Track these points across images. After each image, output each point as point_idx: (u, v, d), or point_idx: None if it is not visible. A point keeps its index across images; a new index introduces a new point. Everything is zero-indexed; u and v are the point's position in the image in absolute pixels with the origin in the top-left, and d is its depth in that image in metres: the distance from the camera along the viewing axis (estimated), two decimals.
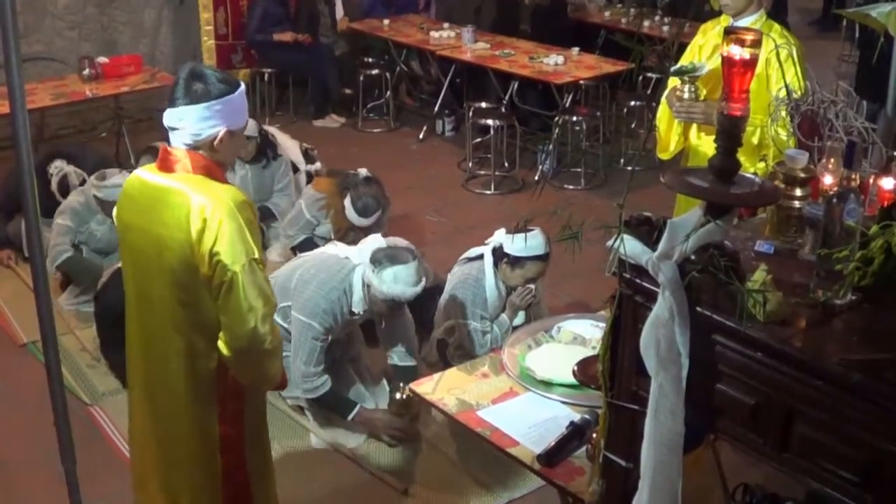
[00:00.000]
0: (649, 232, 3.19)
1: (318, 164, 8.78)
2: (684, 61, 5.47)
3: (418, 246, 6.33)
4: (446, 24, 11.87)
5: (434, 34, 11.49)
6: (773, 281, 2.97)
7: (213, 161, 3.76)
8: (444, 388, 4.57)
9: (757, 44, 3.06)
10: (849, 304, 2.98)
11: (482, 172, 10.22)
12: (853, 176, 3.40)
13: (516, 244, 5.87)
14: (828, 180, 3.47)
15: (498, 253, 6.03)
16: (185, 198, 3.63)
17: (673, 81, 5.29)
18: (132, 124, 10.65)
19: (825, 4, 16.21)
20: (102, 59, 10.29)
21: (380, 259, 5.40)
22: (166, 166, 3.75)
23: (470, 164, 10.38)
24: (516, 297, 6.05)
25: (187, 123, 3.67)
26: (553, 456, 4.00)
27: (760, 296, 2.88)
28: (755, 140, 4.91)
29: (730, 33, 3.09)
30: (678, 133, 5.48)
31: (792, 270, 3.23)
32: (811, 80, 3.98)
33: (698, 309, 3.01)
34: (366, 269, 5.43)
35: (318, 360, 5.46)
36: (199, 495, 4.06)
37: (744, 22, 5.17)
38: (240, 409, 3.97)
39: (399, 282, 5.38)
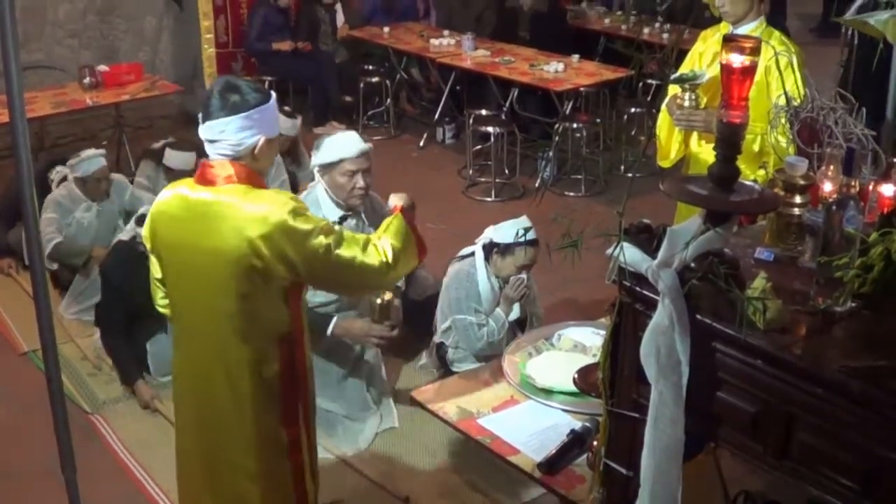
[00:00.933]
0: (649, 240, 3.20)
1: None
2: (684, 69, 5.48)
3: None
4: (446, 32, 11.87)
5: (434, 41, 11.49)
6: (772, 288, 2.97)
7: (254, 170, 3.81)
8: (444, 396, 4.57)
9: (756, 51, 3.06)
10: (849, 312, 2.98)
11: (483, 179, 10.22)
12: (853, 183, 3.40)
13: (505, 232, 5.93)
14: (827, 187, 3.47)
15: (488, 247, 6.05)
16: (238, 209, 3.68)
17: (673, 89, 5.29)
18: (133, 132, 10.66)
19: (824, 10, 16.21)
20: (103, 68, 10.30)
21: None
22: (207, 180, 3.77)
23: (470, 172, 10.38)
24: (510, 288, 6.04)
25: (228, 135, 3.71)
26: (554, 464, 4.00)
27: (760, 303, 2.88)
28: (756, 147, 4.91)
29: (729, 41, 3.09)
30: (679, 141, 5.48)
31: (792, 278, 3.23)
32: (810, 87, 3.98)
33: (698, 317, 3.01)
34: (316, 176, 5.53)
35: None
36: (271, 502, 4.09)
37: (743, 29, 5.17)
38: (297, 410, 4.01)
39: (338, 143, 5.43)
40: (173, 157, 7.88)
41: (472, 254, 6.14)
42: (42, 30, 11.15)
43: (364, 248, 3.88)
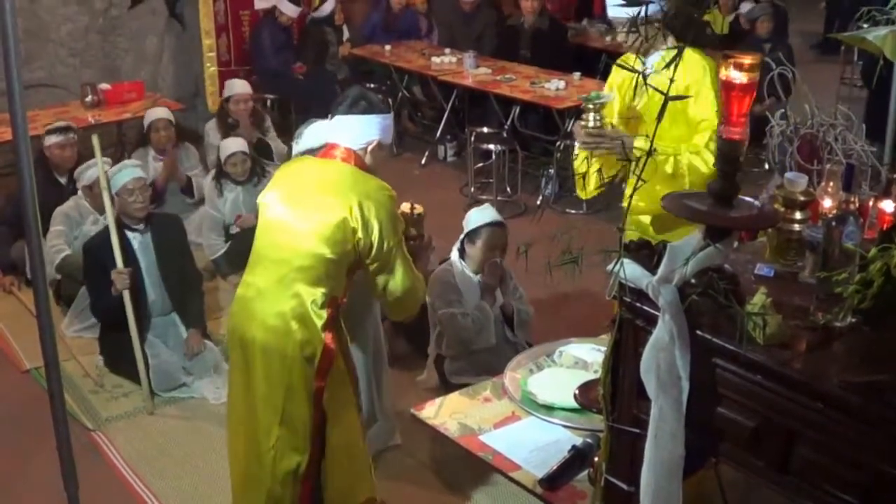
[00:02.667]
0: (649, 256, 3.21)
1: None
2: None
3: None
4: (448, 50, 11.88)
5: (435, 60, 11.50)
6: (772, 304, 2.98)
7: (366, 164, 4.48)
8: (446, 413, 4.58)
9: (755, 68, 3.07)
10: (849, 327, 2.99)
11: (484, 197, 10.21)
12: (852, 199, 3.42)
13: (470, 219, 6.28)
14: (827, 203, 3.49)
15: (461, 244, 6.32)
16: (350, 176, 4.36)
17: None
18: (134, 150, 10.66)
19: (826, 27, 16.24)
20: (104, 86, 10.31)
21: None
22: (329, 156, 4.47)
23: (472, 189, 10.38)
24: (487, 276, 6.22)
25: (351, 128, 4.43)
26: (555, 480, 4.00)
27: (760, 319, 2.89)
28: (668, 169, 4.88)
29: (728, 58, 3.10)
30: (595, 168, 5.43)
31: (792, 293, 3.24)
32: (810, 104, 3.99)
33: (698, 332, 3.02)
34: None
35: None
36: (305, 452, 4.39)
37: (655, 56, 5.16)
38: (330, 368, 4.33)
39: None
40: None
41: (448, 259, 6.35)
42: (44, 48, 11.16)
43: (407, 262, 4.43)
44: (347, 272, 4.39)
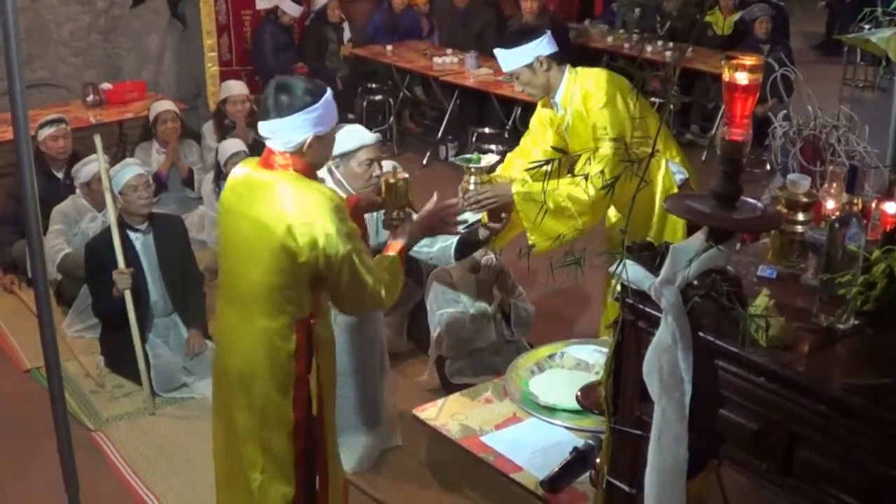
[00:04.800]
0: (652, 257, 3.20)
1: None
2: (530, 135, 5.82)
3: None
4: (449, 50, 11.88)
5: (437, 60, 11.51)
6: (775, 306, 2.98)
7: (307, 162, 4.11)
8: (447, 414, 4.57)
9: (757, 69, 3.06)
10: (851, 329, 2.98)
11: None
12: (855, 200, 3.41)
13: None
14: (830, 205, 3.48)
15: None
16: (286, 192, 3.99)
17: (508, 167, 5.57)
18: (139, 144, 10.65)
19: (828, 29, 16.24)
20: (106, 86, 10.33)
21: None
22: (268, 164, 4.11)
23: None
24: (482, 273, 6.24)
25: (279, 134, 4.03)
26: (557, 482, 3.99)
27: (763, 321, 2.89)
28: (550, 204, 5.06)
29: (730, 59, 3.09)
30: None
31: (794, 295, 3.23)
32: (813, 105, 3.99)
33: (701, 334, 3.01)
34: (327, 168, 5.35)
35: None
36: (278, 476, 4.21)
37: (559, 96, 5.44)
38: (307, 396, 4.17)
39: (354, 133, 5.37)
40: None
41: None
42: (46, 48, 11.16)
43: (371, 272, 4.09)
44: (310, 290, 4.11)
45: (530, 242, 5.24)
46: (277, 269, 4.01)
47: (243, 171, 4.22)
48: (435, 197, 4.71)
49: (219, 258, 4.40)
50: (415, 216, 4.67)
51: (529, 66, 5.39)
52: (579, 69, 5.42)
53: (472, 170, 5.04)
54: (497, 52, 5.54)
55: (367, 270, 4.07)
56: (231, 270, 4.23)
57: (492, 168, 5.12)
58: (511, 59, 5.43)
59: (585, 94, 5.25)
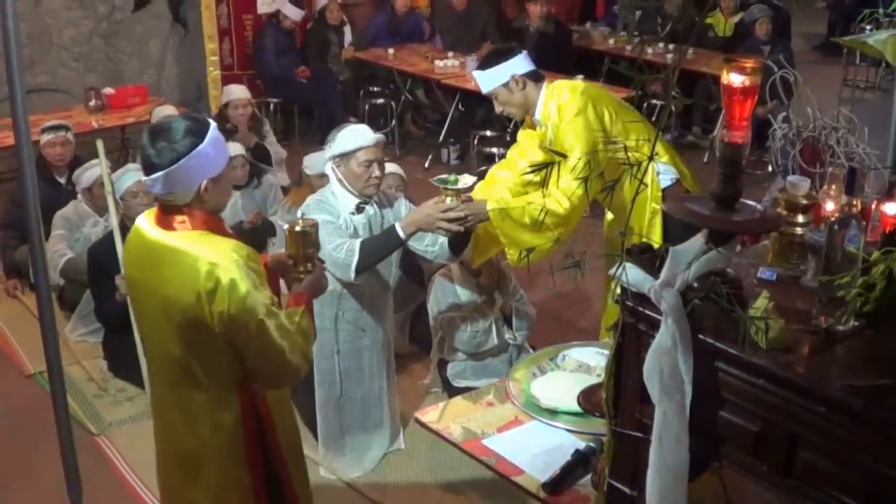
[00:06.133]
0: (651, 260, 3.20)
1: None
2: (515, 148, 5.84)
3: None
4: (451, 53, 11.90)
5: (439, 63, 11.52)
6: (775, 308, 2.98)
7: (207, 211, 3.66)
8: (449, 417, 4.57)
9: (756, 71, 3.07)
10: (851, 331, 2.98)
11: None
12: (854, 202, 3.41)
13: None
14: (829, 207, 3.48)
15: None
16: (190, 258, 3.53)
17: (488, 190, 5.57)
18: (137, 154, 10.68)
19: (829, 29, 16.25)
20: (108, 90, 10.35)
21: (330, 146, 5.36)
22: (166, 223, 3.64)
23: None
24: (483, 276, 6.21)
25: (166, 187, 3.56)
26: (558, 484, 3.99)
27: (763, 323, 2.89)
28: (526, 219, 5.14)
29: (730, 61, 3.10)
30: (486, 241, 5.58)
31: (794, 297, 3.24)
32: (812, 107, 3.99)
33: (701, 336, 3.02)
34: (329, 168, 5.38)
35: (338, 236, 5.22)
36: None
37: (538, 113, 5.49)
38: (263, 455, 3.86)
39: (353, 133, 5.32)
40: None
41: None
42: (47, 53, 11.19)
43: (285, 335, 3.62)
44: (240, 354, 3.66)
45: (508, 257, 5.31)
46: (195, 342, 3.61)
47: (140, 231, 3.71)
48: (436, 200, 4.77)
49: (138, 331, 3.95)
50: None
51: (506, 85, 5.48)
52: (556, 83, 5.49)
53: (449, 191, 5.03)
54: (475, 73, 5.70)
55: (282, 335, 3.60)
56: (150, 345, 3.87)
57: (468, 190, 5.10)
58: (487, 79, 5.56)
59: (559, 106, 5.31)
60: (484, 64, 5.61)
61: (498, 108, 5.62)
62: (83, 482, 4.18)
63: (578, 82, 5.52)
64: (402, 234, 5.11)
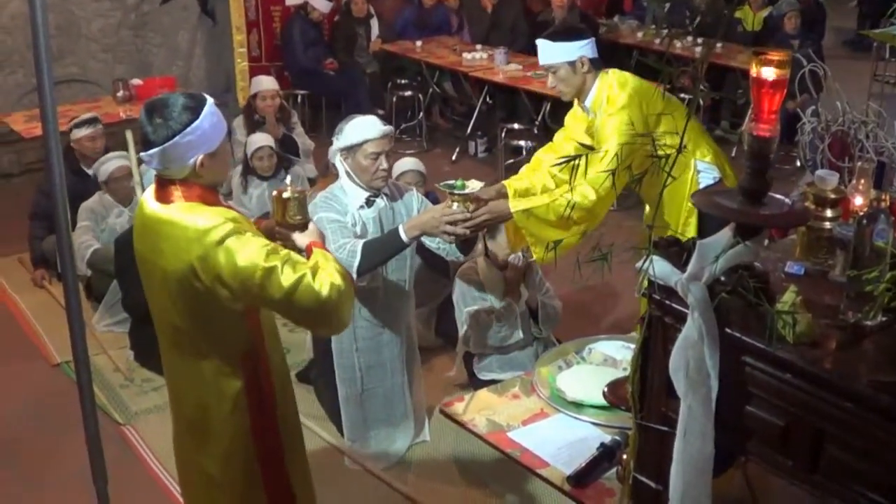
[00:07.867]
0: (678, 253, 3.19)
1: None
2: (563, 132, 5.81)
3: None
4: (479, 46, 11.91)
5: (466, 56, 11.51)
6: (802, 302, 2.97)
7: (203, 185, 3.71)
8: (474, 409, 4.57)
9: (785, 64, 3.05)
10: (879, 326, 2.97)
11: None
12: (883, 196, 3.39)
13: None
14: (858, 201, 3.46)
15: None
16: (179, 229, 3.59)
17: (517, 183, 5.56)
18: None
19: (859, 24, 16.17)
20: (136, 82, 10.38)
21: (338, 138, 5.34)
22: (163, 196, 3.70)
23: None
24: (509, 270, 6.22)
25: (161, 163, 3.63)
26: (583, 477, 3.99)
27: (790, 317, 2.87)
28: (552, 216, 5.07)
29: (758, 55, 3.08)
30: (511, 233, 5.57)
31: (822, 292, 3.22)
32: (841, 100, 3.97)
33: (727, 330, 3.00)
34: (338, 160, 5.36)
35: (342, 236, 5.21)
36: None
37: (591, 98, 5.42)
38: (267, 423, 3.92)
39: (361, 126, 5.27)
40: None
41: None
42: (76, 44, 11.23)
43: (297, 268, 3.59)
44: (245, 320, 3.77)
45: (534, 255, 5.27)
46: (195, 313, 3.69)
47: (144, 206, 3.77)
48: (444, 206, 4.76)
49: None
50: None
51: (572, 63, 5.37)
52: (610, 72, 5.40)
53: (457, 196, 5.00)
54: (540, 42, 5.51)
55: (294, 268, 3.58)
56: (157, 316, 3.92)
57: (474, 197, 5.04)
58: (554, 52, 5.43)
59: (609, 97, 5.25)
60: (554, 36, 5.49)
61: (551, 83, 5.52)
62: (108, 471, 4.19)
63: (631, 77, 5.43)
64: (404, 238, 5.07)
